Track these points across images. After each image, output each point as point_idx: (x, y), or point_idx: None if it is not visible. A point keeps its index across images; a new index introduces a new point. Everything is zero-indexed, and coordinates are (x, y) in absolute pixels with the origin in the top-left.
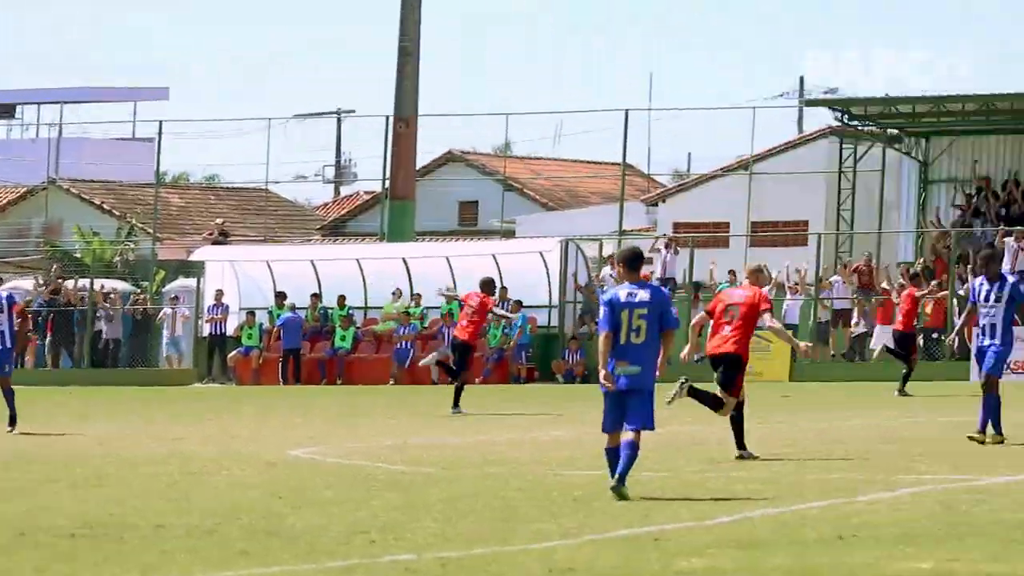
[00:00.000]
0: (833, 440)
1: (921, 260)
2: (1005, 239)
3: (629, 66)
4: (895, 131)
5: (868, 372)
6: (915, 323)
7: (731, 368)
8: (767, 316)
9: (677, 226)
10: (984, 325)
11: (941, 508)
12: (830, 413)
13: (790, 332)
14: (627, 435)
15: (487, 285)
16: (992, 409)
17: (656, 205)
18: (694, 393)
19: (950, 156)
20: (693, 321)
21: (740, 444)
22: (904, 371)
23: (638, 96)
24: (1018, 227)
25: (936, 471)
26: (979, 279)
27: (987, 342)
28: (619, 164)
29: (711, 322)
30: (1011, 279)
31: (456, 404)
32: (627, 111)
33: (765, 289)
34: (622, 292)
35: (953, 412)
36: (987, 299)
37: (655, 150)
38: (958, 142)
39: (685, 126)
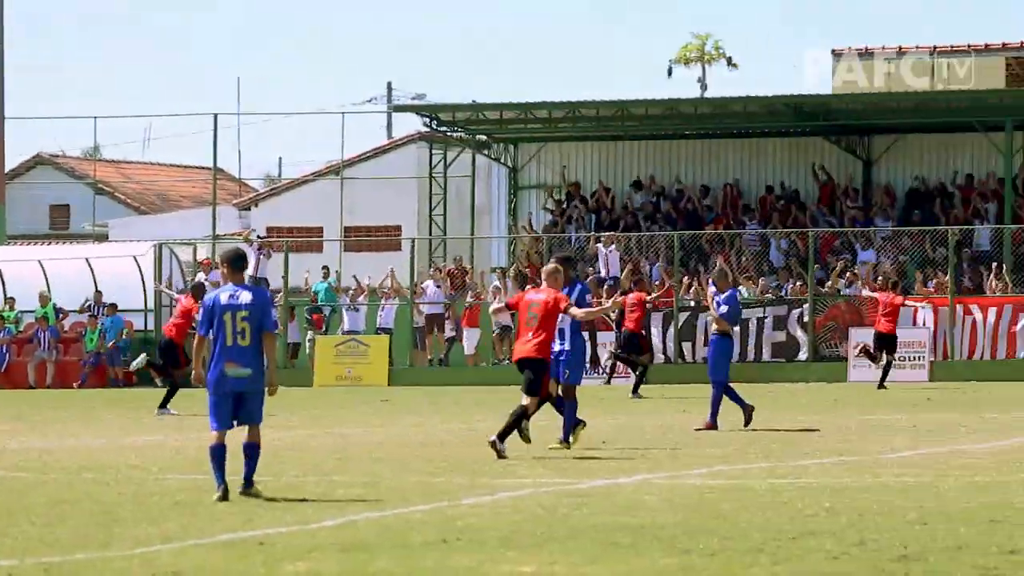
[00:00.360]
0: (434, 443)
1: (515, 265)
2: (597, 244)
3: (217, 70)
4: (484, 137)
5: (462, 377)
6: (643, 324)
7: (537, 371)
8: (572, 310)
9: (270, 230)
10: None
11: (542, 511)
12: (429, 417)
13: (592, 310)
14: (246, 437)
15: (196, 289)
16: (570, 417)
17: (249, 209)
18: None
19: (539, 162)
20: (492, 308)
21: (502, 436)
22: (639, 371)
23: (227, 100)
24: (608, 232)
25: (537, 475)
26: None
27: (557, 347)
28: (210, 168)
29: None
30: (579, 287)
31: (164, 404)
32: (216, 115)
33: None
34: (223, 295)
35: (550, 416)
36: None
37: (246, 154)
38: (547, 148)
39: (275, 130)
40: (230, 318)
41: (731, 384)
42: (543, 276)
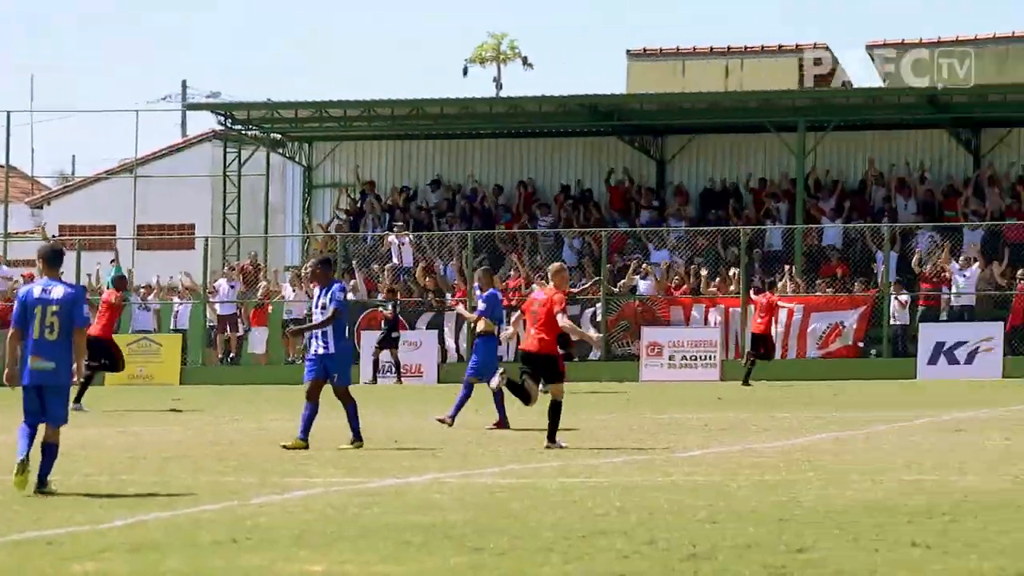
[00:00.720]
0: (225, 442)
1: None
2: (390, 236)
3: (9, 66)
4: (278, 136)
5: (253, 375)
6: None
7: (549, 365)
8: (559, 317)
9: (63, 228)
10: (317, 332)
11: (332, 511)
12: (220, 416)
13: (578, 327)
14: (45, 436)
15: (119, 280)
16: (354, 417)
17: (41, 207)
18: (511, 385)
19: (334, 161)
20: (512, 319)
21: (552, 436)
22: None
23: (19, 97)
24: (399, 224)
25: (327, 474)
26: (314, 286)
27: (321, 350)
28: (2, 166)
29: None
30: (335, 285)
31: (77, 400)
32: (8, 112)
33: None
34: (36, 288)
35: (340, 415)
36: (318, 304)
37: (39, 152)
38: (341, 147)
39: (69, 128)
40: (40, 312)
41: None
42: (550, 275)
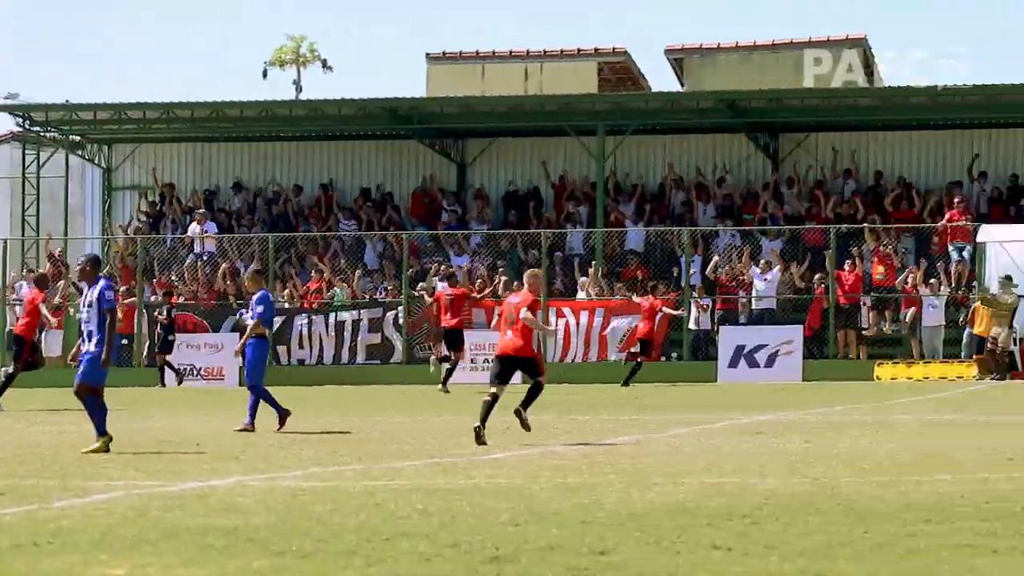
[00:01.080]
0: (24, 445)
1: (108, 266)
2: (192, 226)
3: None
4: (77, 138)
5: (54, 378)
6: (464, 322)
7: (529, 365)
8: (522, 311)
9: None
10: (84, 332)
11: (134, 513)
12: (20, 419)
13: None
14: None
15: (40, 279)
16: (95, 414)
17: None
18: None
19: (133, 163)
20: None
21: (483, 421)
22: (448, 367)
23: None
24: (201, 211)
25: (128, 477)
26: (83, 284)
27: (84, 348)
28: None
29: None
30: (101, 283)
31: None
32: None
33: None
34: None
35: (141, 419)
36: (85, 302)
37: None
38: (141, 149)
39: None
40: None
41: (268, 388)
42: (525, 280)
